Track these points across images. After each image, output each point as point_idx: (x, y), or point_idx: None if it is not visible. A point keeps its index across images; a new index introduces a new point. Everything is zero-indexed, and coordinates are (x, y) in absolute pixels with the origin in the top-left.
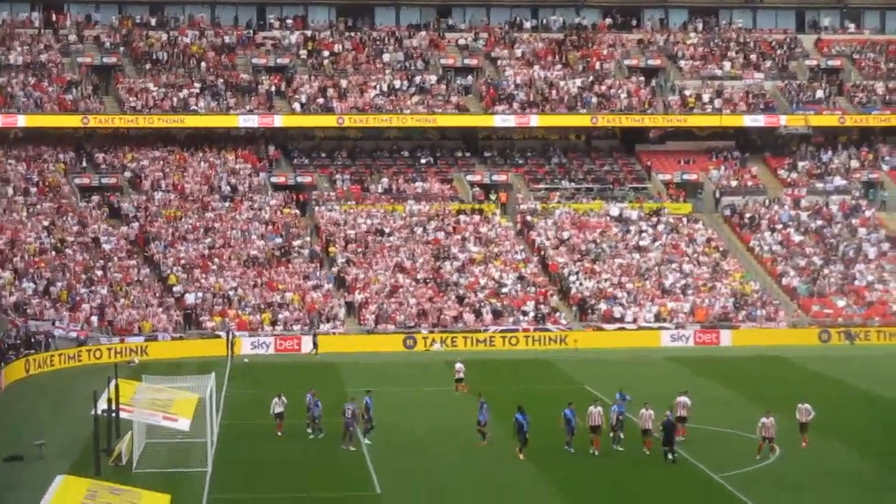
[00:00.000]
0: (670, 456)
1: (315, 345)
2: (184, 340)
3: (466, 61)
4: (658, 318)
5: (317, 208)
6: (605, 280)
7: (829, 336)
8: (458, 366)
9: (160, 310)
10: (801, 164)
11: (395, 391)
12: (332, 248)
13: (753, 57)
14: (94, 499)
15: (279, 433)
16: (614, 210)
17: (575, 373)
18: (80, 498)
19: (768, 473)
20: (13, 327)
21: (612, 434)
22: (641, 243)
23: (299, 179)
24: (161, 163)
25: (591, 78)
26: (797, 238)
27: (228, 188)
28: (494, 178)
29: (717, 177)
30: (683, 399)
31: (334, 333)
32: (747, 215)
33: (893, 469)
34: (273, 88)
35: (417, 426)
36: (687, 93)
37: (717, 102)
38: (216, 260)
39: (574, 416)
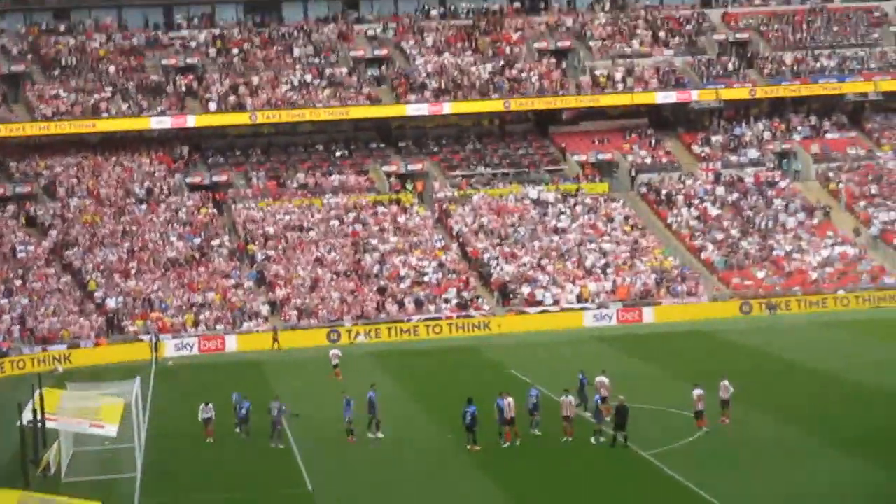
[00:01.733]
0: (621, 439)
1: (276, 339)
2: (107, 346)
3: (377, 52)
4: (580, 298)
5: (234, 206)
6: (526, 263)
7: (751, 308)
8: (333, 352)
9: (81, 317)
10: (714, 138)
11: (321, 386)
12: (251, 246)
13: (662, 34)
14: None
15: (209, 440)
16: (532, 193)
17: (501, 357)
18: None
19: (696, 449)
20: None
21: (530, 418)
22: (560, 225)
23: (215, 178)
24: (75, 169)
25: (501, 62)
26: (714, 212)
27: (144, 191)
28: (410, 167)
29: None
30: (602, 379)
31: (257, 331)
32: (664, 191)
33: (817, 435)
34: (184, 88)
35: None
36: (598, 73)
37: (629, 81)
38: (135, 263)
39: (505, 406)
